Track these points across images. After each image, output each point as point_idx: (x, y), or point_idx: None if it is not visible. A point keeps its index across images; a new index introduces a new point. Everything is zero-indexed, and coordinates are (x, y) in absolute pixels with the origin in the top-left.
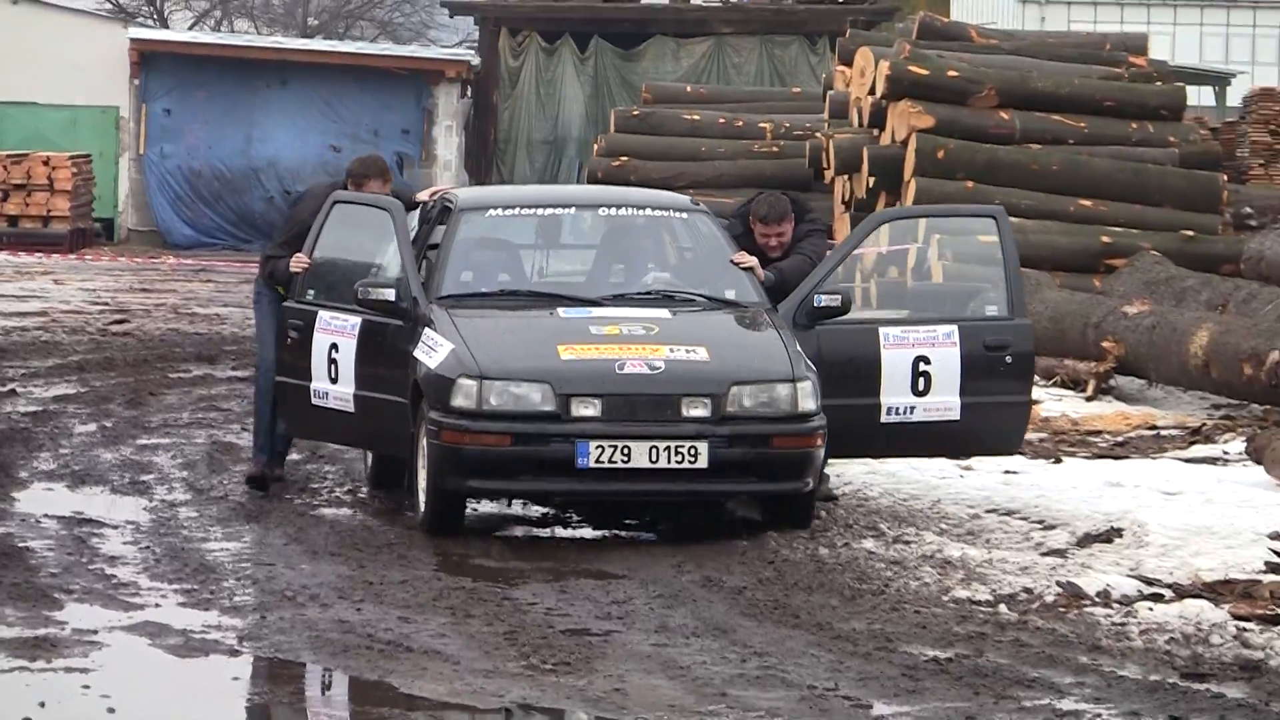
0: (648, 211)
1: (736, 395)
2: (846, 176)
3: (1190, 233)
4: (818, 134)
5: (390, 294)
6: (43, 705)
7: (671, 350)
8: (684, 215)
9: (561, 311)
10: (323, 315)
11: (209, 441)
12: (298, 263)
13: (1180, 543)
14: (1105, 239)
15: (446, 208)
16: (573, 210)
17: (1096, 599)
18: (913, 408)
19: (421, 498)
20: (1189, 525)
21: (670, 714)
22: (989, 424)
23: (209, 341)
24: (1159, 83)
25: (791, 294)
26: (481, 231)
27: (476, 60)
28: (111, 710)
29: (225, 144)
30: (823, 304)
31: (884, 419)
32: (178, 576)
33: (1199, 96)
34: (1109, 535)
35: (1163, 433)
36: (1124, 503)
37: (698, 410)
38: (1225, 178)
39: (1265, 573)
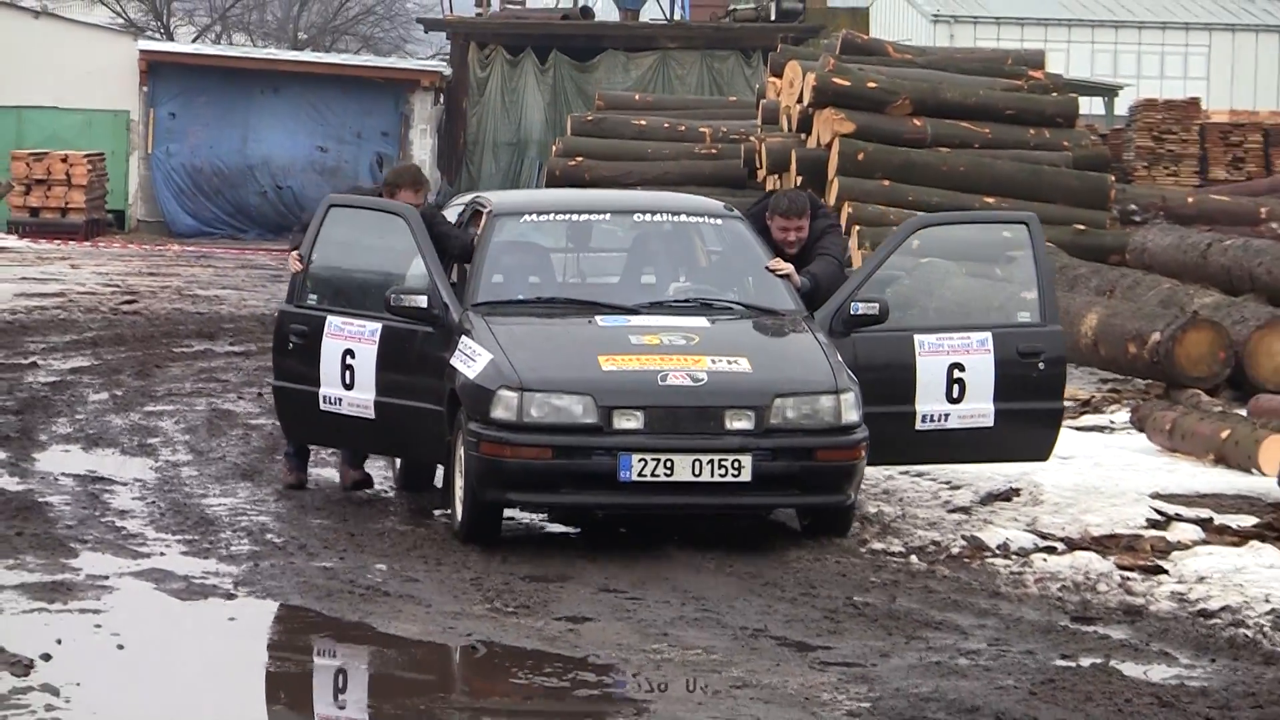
0: (682, 218)
1: (780, 407)
2: (777, 176)
3: (1082, 227)
4: (752, 138)
5: (422, 300)
6: (59, 642)
7: (713, 361)
8: (718, 221)
9: (600, 320)
10: (333, 320)
11: (209, 409)
12: (294, 261)
13: (1072, 501)
14: (1005, 233)
15: (478, 212)
16: (607, 216)
17: (997, 551)
18: (947, 415)
19: (459, 507)
20: (1079, 485)
21: (619, 651)
22: (1021, 431)
23: (209, 320)
24: (1054, 94)
25: (827, 301)
26: (516, 237)
27: (448, 71)
28: (121, 647)
29: (223, 144)
30: (860, 312)
31: (919, 426)
32: (180, 528)
33: (1090, 106)
34: (1008, 494)
35: None
36: (1022, 466)
37: (741, 422)
38: (1113, 178)
39: (1146, 528)
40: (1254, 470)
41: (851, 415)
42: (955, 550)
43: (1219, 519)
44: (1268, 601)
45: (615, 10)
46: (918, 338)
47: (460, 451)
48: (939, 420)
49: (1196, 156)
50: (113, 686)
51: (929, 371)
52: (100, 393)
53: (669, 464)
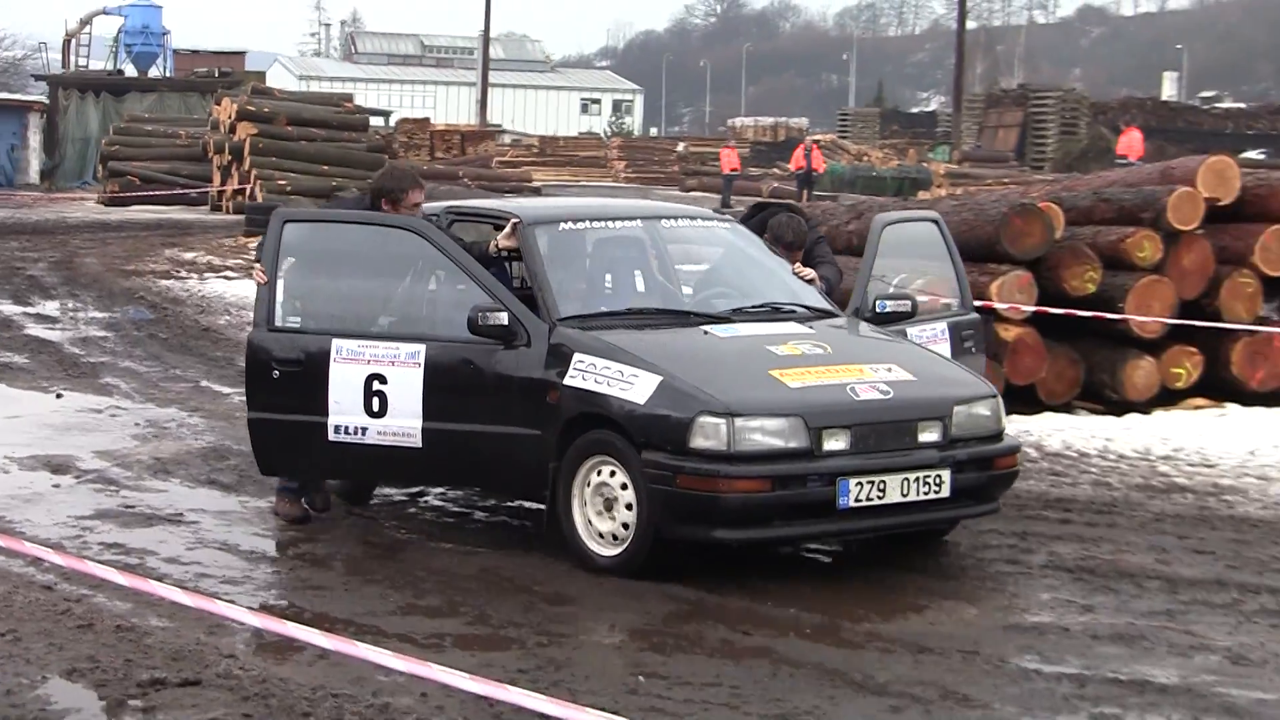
0: (698, 223)
1: (959, 417)
2: (219, 155)
3: (365, 184)
4: (204, 136)
5: (504, 318)
6: None
7: (873, 370)
8: (728, 226)
9: (715, 330)
10: (343, 344)
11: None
12: (259, 274)
13: None
14: (334, 183)
15: (455, 222)
16: (638, 222)
17: None
18: None
19: (588, 540)
20: None
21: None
22: None
23: None
24: (357, 114)
25: (850, 301)
26: (562, 247)
27: (48, 101)
28: (59, 396)
29: None
30: (889, 309)
31: None
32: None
33: (377, 121)
34: None
35: None
36: None
37: (931, 434)
38: (387, 157)
39: None
40: None
41: (1004, 420)
42: None
43: None
44: None
45: (135, 70)
46: (910, 330)
47: (610, 479)
48: None
49: (428, 147)
50: None
51: None
52: None
53: (882, 486)
